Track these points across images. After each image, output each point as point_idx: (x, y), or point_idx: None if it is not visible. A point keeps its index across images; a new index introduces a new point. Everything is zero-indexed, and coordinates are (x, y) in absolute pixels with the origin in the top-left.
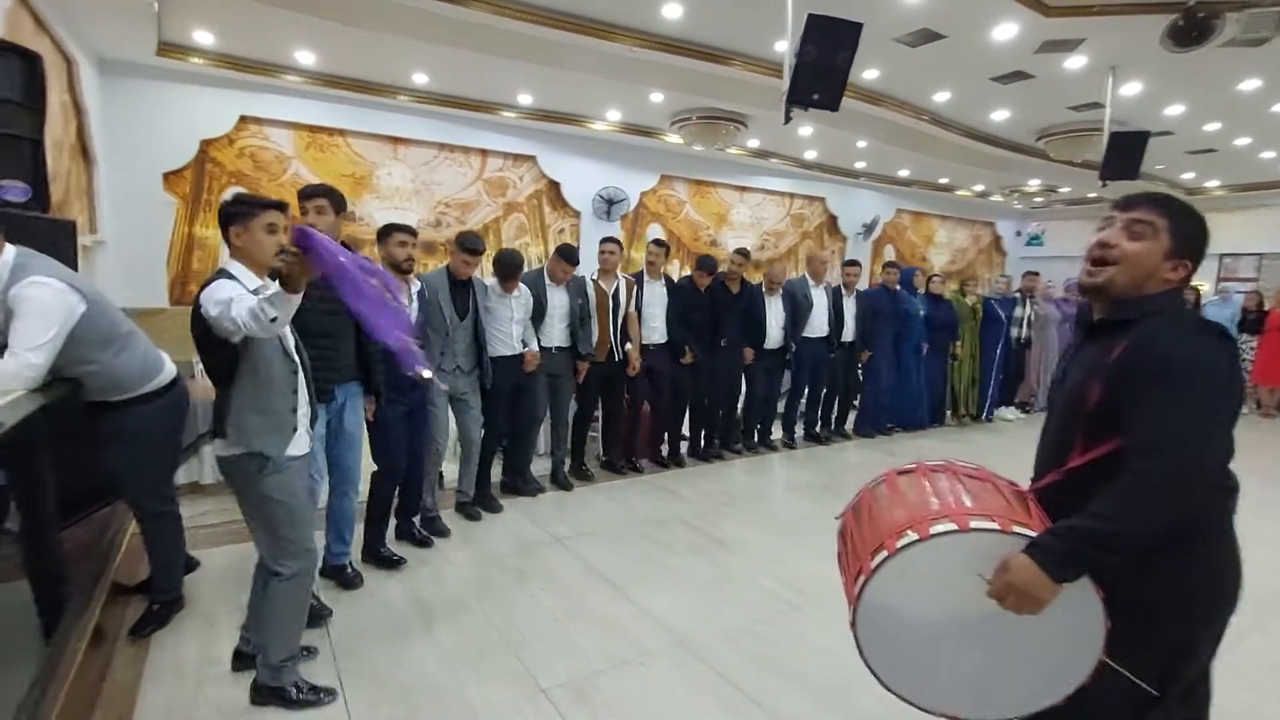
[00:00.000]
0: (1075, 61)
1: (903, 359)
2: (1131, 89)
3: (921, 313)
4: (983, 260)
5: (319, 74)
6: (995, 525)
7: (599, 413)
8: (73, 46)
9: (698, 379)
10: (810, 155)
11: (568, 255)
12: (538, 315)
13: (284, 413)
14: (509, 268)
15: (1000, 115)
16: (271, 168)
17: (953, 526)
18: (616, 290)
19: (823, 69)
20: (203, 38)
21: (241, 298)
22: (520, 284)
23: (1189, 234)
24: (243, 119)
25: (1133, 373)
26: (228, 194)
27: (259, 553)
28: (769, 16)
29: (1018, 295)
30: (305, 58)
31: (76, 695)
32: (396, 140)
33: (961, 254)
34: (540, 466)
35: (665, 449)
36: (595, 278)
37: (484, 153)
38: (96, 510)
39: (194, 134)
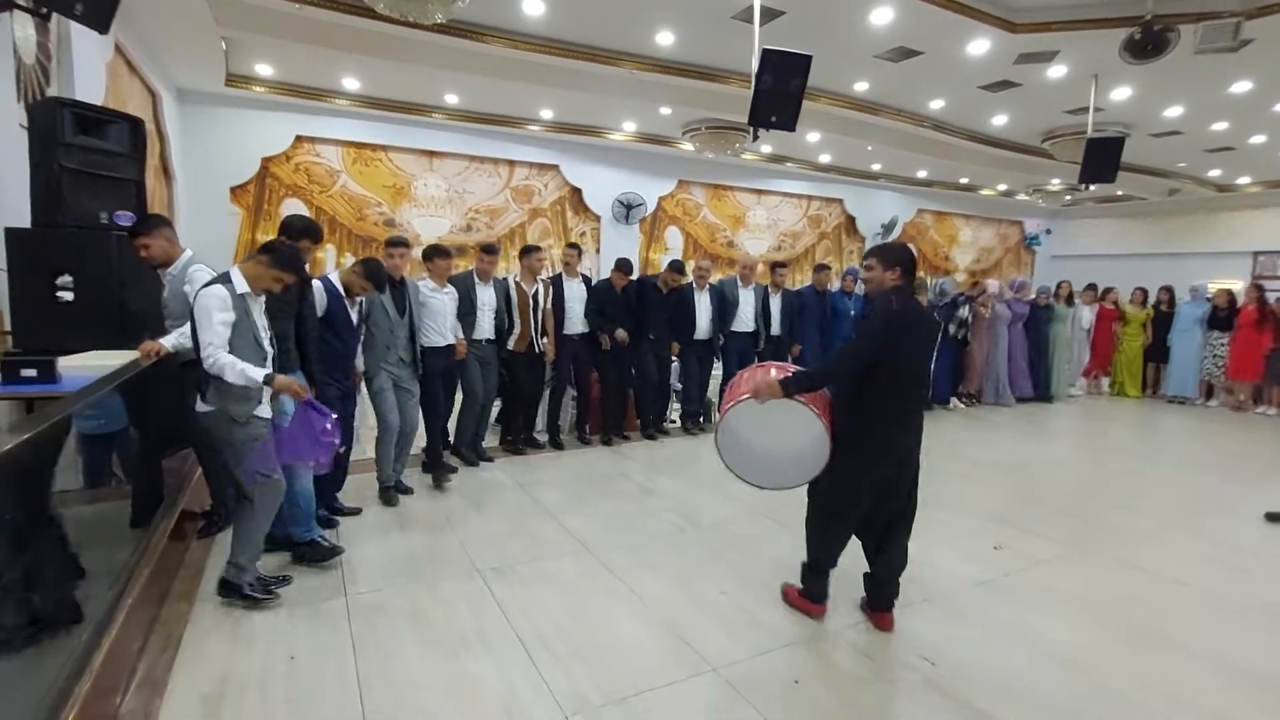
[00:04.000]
0: (1057, 70)
1: (830, 353)
2: (1121, 93)
3: (852, 312)
4: (1010, 259)
5: (363, 97)
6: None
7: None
8: (157, 81)
9: (622, 367)
10: (825, 159)
11: (487, 249)
12: (469, 310)
13: (252, 388)
14: (438, 251)
15: (999, 120)
16: (323, 181)
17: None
18: (536, 292)
19: (778, 95)
20: (264, 70)
21: (222, 347)
22: (449, 283)
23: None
24: (298, 138)
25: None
26: (287, 214)
27: (233, 486)
28: (750, 45)
29: (959, 297)
30: (351, 84)
31: (164, 563)
32: (432, 154)
33: (988, 253)
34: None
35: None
36: (518, 279)
37: (511, 163)
38: (179, 450)
39: (256, 152)
